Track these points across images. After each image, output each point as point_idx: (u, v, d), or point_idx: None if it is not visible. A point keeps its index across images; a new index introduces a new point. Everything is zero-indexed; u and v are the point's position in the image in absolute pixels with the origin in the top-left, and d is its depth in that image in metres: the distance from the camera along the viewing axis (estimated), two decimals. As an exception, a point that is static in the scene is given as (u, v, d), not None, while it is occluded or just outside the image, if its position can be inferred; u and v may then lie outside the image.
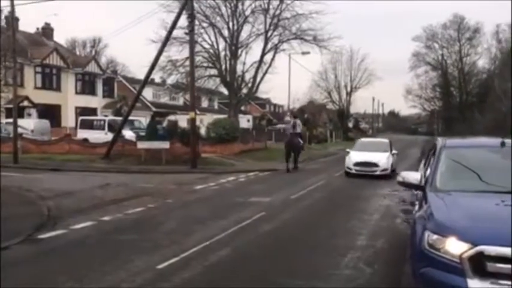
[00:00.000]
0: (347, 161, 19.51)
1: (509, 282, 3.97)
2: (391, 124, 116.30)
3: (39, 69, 37.36)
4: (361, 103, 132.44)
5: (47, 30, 42.96)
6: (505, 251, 3.99)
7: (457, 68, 63.58)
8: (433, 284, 4.28)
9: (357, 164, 19.08)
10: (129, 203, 12.42)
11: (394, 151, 20.56)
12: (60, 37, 74.40)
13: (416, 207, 6.00)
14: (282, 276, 6.49)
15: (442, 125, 61.42)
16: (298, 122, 22.86)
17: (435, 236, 4.38)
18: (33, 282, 6.26)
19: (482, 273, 4.04)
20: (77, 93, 40.87)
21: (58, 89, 39.10)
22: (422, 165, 8.75)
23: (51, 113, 35.71)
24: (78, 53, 59.01)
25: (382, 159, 19.15)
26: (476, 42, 61.90)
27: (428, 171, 6.24)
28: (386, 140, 22.32)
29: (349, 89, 74.50)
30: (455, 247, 4.18)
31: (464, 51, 62.81)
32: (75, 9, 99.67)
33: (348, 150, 20.39)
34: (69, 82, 40.04)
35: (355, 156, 19.48)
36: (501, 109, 27.57)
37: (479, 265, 4.05)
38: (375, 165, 18.92)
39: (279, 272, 6.70)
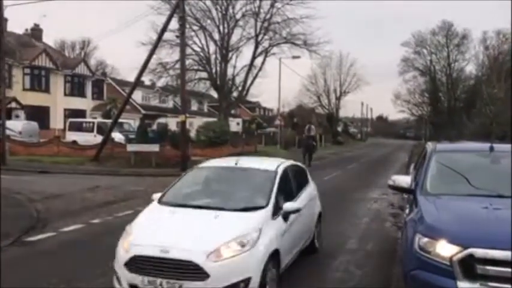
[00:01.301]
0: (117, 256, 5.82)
1: (498, 285, 4.04)
2: (379, 128, 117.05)
3: (27, 70, 37.04)
4: (350, 107, 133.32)
5: (36, 32, 42.63)
6: (494, 253, 4.06)
7: (445, 73, 64.24)
8: (423, 286, 4.34)
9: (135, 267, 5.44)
10: (119, 206, 12.35)
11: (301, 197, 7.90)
12: (49, 38, 73.98)
13: (407, 210, 6.07)
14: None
15: (430, 130, 61.90)
16: (312, 127, 27.43)
17: (426, 239, 4.44)
18: (23, 284, 6.22)
19: (472, 275, 4.11)
20: (66, 95, 40.57)
21: (47, 90, 38.79)
22: (412, 169, 8.85)
23: (39, 114, 35.38)
24: (67, 54, 58.65)
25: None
26: (464, 48, 62.71)
27: (418, 175, 6.31)
28: (272, 167, 6.66)
29: (338, 93, 75.10)
30: (445, 250, 4.25)
31: (453, 57, 63.53)
32: (64, 11, 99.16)
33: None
34: (58, 84, 39.73)
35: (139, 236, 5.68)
36: (488, 114, 27.90)
37: (469, 267, 4.11)
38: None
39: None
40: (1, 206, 10.15)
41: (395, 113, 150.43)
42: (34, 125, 30.40)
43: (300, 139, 33.06)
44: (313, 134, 27.06)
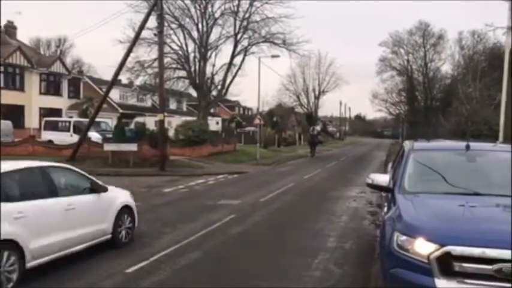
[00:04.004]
0: None
1: (474, 281, 4.08)
2: (357, 127, 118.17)
3: (1, 68, 36.19)
4: (329, 107, 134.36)
5: (9, 29, 41.67)
6: (471, 251, 4.10)
7: (422, 73, 65.16)
8: (401, 284, 4.36)
9: None
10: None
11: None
12: (24, 36, 72.50)
13: (385, 208, 6.10)
14: (252, 278, 6.49)
15: (407, 129, 62.69)
16: (317, 127, 38.69)
17: (404, 237, 4.47)
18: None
19: (449, 272, 4.14)
20: (41, 93, 39.79)
21: (21, 89, 37.98)
22: (390, 167, 8.92)
23: (14, 113, 34.60)
24: (42, 52, 57.54)
25: None
26: (440, 48, 63.68)
27: (396, 174, 6.35)
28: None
29: (317, 92, 75.46)
30: (423, 248, 4.28)
31: (429, 57, 64.47)
32: (39, 8, 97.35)
33: None
34: (33, 82, 38.93)
35: None
36: (464, 113, 28.36)
37: (446, 265, 4.15)
38: None
39: (249, 274, 6.70)
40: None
41: (373, 112, 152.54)
42: (8, 124, 29.69)
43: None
44: (316, 134, 37.20)
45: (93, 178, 8.17)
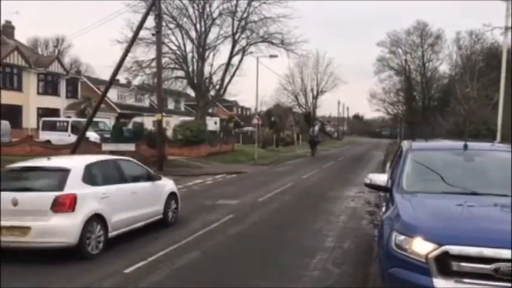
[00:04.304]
0: None
1: (472, 281, 4.09)
2: (355, 127, 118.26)
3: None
4: (327, 106, 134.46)
5: (7, 29, 41.56)
6: (468, 250, 4.11)
7: (420, 73, 65.12)
8: (400, 284, 4.37)
9: None
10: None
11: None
12: (22, 36, 72.29)
13: (383, 208, 6.11)
14: (251, 278, 6.49)
15: (405, 129, 62.71)
16: (316, 128, 40.92)
17: (402, 237, 4.48)
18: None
19: (447, 272, 4.15)
20: (39, 93, 39.71)
21: (19, 89, 37.89)
22: (388, 167, 8.93)
23: (11, 113, 34.52)
24: (40, 52, 57.43)
25: None
26: (438, 48, 63.58)
27: (394, 173, 6.36)
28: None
29: (315, 92, 75.48)
30: (421, 247, 4.29)
31: (427, 57, 64.39)
32: (37, 8, 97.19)
33: None
34: (30, 82, 38.85)
35: None
36: (462, 113, 28.41)
37: (444, 264, 4.16)
38: None
39: (248, 274, 6.70)
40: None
41: (371, 112, 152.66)
42: (6, 124, 29.64)
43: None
44: (316, 134, 38.76)
45: (149, 169, 10.09)
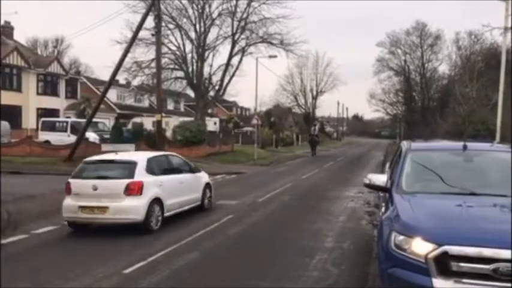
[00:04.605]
0: None
1: (471, 281, 4.10)
2: (355, 128, 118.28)
3: (-1, 69, 36.11)
4: (327, 107, 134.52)
5: (6, 29, 41.52)
6: (468, 250, 4.12)
7: (419, 73, 65.12)
8: (399, 284, 4.38)
9: None
10: (94, 207, 12.13)
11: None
12: (21, 36, 72.31)
13: (383, 209, 6.11)
14: (250, 278, 6.49)
15: (404, 129, 62.71)
16: (316, 127, 40.86)
17: (401, 237, 4.48)
18: (-7, 289, 6.04)
19: (446, 272, 4.16)
20: (38, 94, 39.70)
21: (19, 89, 37.88)
22: (387, 167, 8.94)
23: (11, 114, 34.52)
24: (40, 52, 57.40)
25: None
26: (437, 48, 63.57)
27: (393, 174, 6.36)
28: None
29: (314, 92, 75.51)
30: (420, 247, 4.29)
31: (426, 57, 64.39)
32: (37, 8, 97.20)
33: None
34: (30, 82, 38.85)
35: None
36: (461, 113, 28.42)
37: (443, 265, 4.17)
38: None
39: (247, 274, 6.70)
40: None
41: (370, 112, 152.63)
42: (5, 124, 29.65)
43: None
44: (316, 133, 39.59)
45: (191, 163, 12.15)
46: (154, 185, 9.67)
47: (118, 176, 9.52)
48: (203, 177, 12.25)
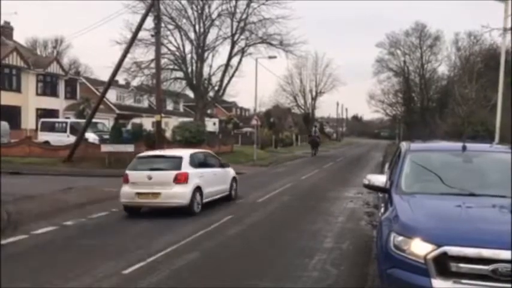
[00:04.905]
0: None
1: (470, 281, 4.10)
2: (354, 128, 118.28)
3: (-2, 69, 36.08)
4: (326, 107, 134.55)
5: (6, 30, 41.51)
6: (467, 251, 4.12)
7: (419, 74, 65.16)
8: (398, 285, 4.38)
9: None
10: (93, 207, 12.17)
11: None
12: (20, 37, 72.29)
13: (382, 209, 6.12)
14: (250, 279, 6.50)
15: (404, 130, 62.76)
16: (317, 129, 42.64)
17: (401, 238, 4.48)
18: (-8, 289, 6.05)
19: (445, 273, 4.16)
20: (37, 94, 39.68)
21: (18, 90, 37.87)
22: (386, 168, 8.95)
23: (10, 114, 34.50)
24: (39, 53, 57.37)
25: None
26: (437, 49, 63.64)
27: (393, 174, 6.37)
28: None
29: (314, 93, 75.53)
30: (420, 248, 4.29)
31: (426, 58, 64.46)
32: (36, 8, 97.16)
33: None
34: (29, 83, 38.83)
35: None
36: (460, 114, 28.42)
37: (443, 265, 4.17)
38: None
39: (247, 275, 6.71)
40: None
41: (369, 113, 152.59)
42: (5, 125, 29.64)
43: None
44: (317, 135, 40.96)
45: (220, 159, 14.17)
46: (196, 175, 11.60)
47: (168, 168, 11.47)
48: (230, 171, 14.06)
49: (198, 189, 11.49)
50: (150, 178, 11.08)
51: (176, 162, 11.54)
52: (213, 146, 31.07)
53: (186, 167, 11.41)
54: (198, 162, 12.27)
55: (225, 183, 13.34)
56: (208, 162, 13.00)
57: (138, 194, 11.06)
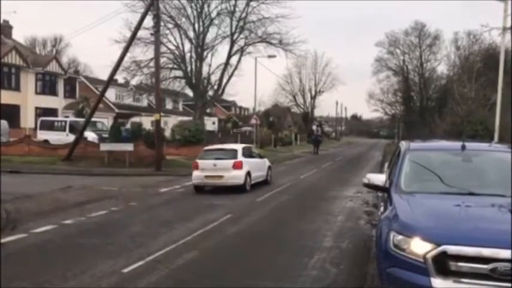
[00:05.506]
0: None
1: (470, 280, 4.11)
2: (354, 127, 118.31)
3: (-2, 68, 36.03)
4: (325, 106, 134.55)
5: (5, 28, 41.46)
6: (466, 250, 4.12)
7: (418, 73, 65.23)
8: (398, 284, 4.38)
9: None
10: (92, 206, 12.15)
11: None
12: (20, 35, 72.22)
13: (381, 208, 6.12)
14: (249, 278, 6.49)
15: (403, 129, 62.78)
16: (319, 128, 44.49)
17: (400, 237, 4.48)
18: (-9, 288, 6.04)
19: (445, 272, 4.16)
20: (37, 93, 39.67)
21: (17, 88, 37.86)
22: (386, 167, 8.95)
23: (9, 113, 34.47)
24: (38, 52, 57.31)
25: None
26: (436, 48, 63.74)
27: (392, 173, 6.36)
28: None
29: (313, 92, 75.61)
30: (419, 247, 4.29)
31: (425, 57, 64.54)
32: (35, 7, 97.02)
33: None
34: (28, 82, 38.82)
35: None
36: (459, 113, 28.44)
37: (442, 264, 4.17)
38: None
39: (246, 274, 6.71)
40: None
41: (369, 112, 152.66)
42: (4, 123, 29.60)
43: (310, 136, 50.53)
44: (319, 134, 43.33)
45: (258, 152, 18.92)
46: (246, 163, 15.45)
47: (227, 157, 15.32)
48: (266, 162, 18.05)
49: (248, 173, 15.36)
50: (215, 165, 15.01)
51: (233, 153, 15.52)
52: (213, 145, 31.03)
53: (240, 157, 15.30)
54: (247, 154, 16.13)
55: (263, 171, 17.27)
56: (252, 154, 16.93)
57: (207, 176, 14.99)
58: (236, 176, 14.92)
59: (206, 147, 17.06)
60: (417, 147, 6.96)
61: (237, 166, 14.98)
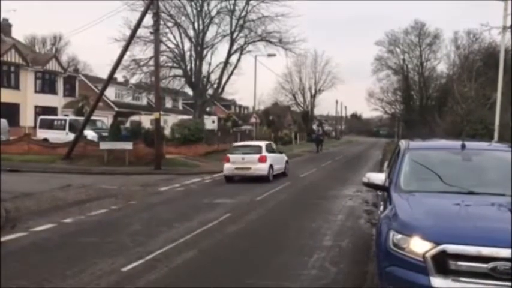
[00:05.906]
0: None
1: (469, 279, 4.10)
2: (353, 126, 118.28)
3: (-2, 67, 36.01)
4: (325, 105, 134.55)
5: (5, 27, 41.44)
6: (466, 249, 4.11)
7: (418, 72, 65.11)
8: (398, 283, 4.38)
9: None
10: (91, 205, 12.15)
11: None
12: (19, 34, 72.11)
13: (381, 207, 6.11)
14: (248, 277, 6.49)
15: (403, 128, 62.71)
16: (320, 128, 48.59)
17: (400, 236, 4.48)
18: (-10, 287, 6.03)
19: (444, 271, 4.16)
20: (36, 91, 39.65)
21: (16, 87, 37.83)
22: (385, 166, 8.94)
23: (9, 112, 34.44)
24: (38, 50, 57.27)
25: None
26: (436, 47, 63.59)
27: (392, 173, 6.36)
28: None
29: (313, 91, 75.57)
30: (419, 246, 4.29)
31: (425, 56, 64.42)
32: (35, 5, 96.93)
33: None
34: (28, 80, 38.79)
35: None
36: (459, 112, 28.41)
37: (441, 263, 4.16)
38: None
39: (246, 273, 6.70)
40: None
41: (369, 111, 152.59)
42: (3, 122, 29.58)
43: (312, 135, 52.60)
44: (321, 133, 46.55)
45: (277, 148, 21.14)
46: (269, 157, 18.12)
47: (254, 152, 18.06)
48: (284, 157, 20.92)
49: (271, 166, 18.01)
50: (243, 159, 17.81)
51: (258, 149, 18.35)
52: (212, 144, 31.05)
53: (264, 152, 18.08)
54: (269, 149, 18.95)
55: (282, 164, 19.84)
56: (273, 150, 19.65)
57: (237, 168, 17.87)
58: (261, 168, 17.68)
59: (235, 144, 20.81)
60: (417, 146, 6.95)
61: (262, 160, 17.73)
